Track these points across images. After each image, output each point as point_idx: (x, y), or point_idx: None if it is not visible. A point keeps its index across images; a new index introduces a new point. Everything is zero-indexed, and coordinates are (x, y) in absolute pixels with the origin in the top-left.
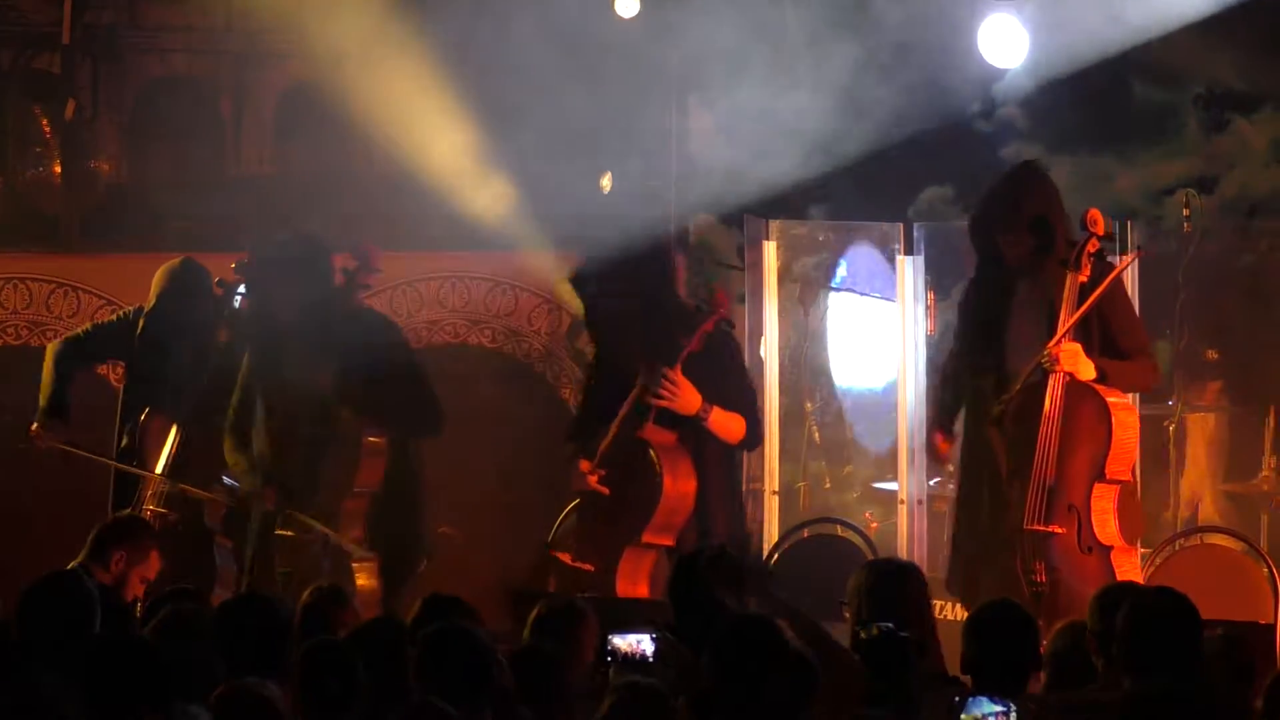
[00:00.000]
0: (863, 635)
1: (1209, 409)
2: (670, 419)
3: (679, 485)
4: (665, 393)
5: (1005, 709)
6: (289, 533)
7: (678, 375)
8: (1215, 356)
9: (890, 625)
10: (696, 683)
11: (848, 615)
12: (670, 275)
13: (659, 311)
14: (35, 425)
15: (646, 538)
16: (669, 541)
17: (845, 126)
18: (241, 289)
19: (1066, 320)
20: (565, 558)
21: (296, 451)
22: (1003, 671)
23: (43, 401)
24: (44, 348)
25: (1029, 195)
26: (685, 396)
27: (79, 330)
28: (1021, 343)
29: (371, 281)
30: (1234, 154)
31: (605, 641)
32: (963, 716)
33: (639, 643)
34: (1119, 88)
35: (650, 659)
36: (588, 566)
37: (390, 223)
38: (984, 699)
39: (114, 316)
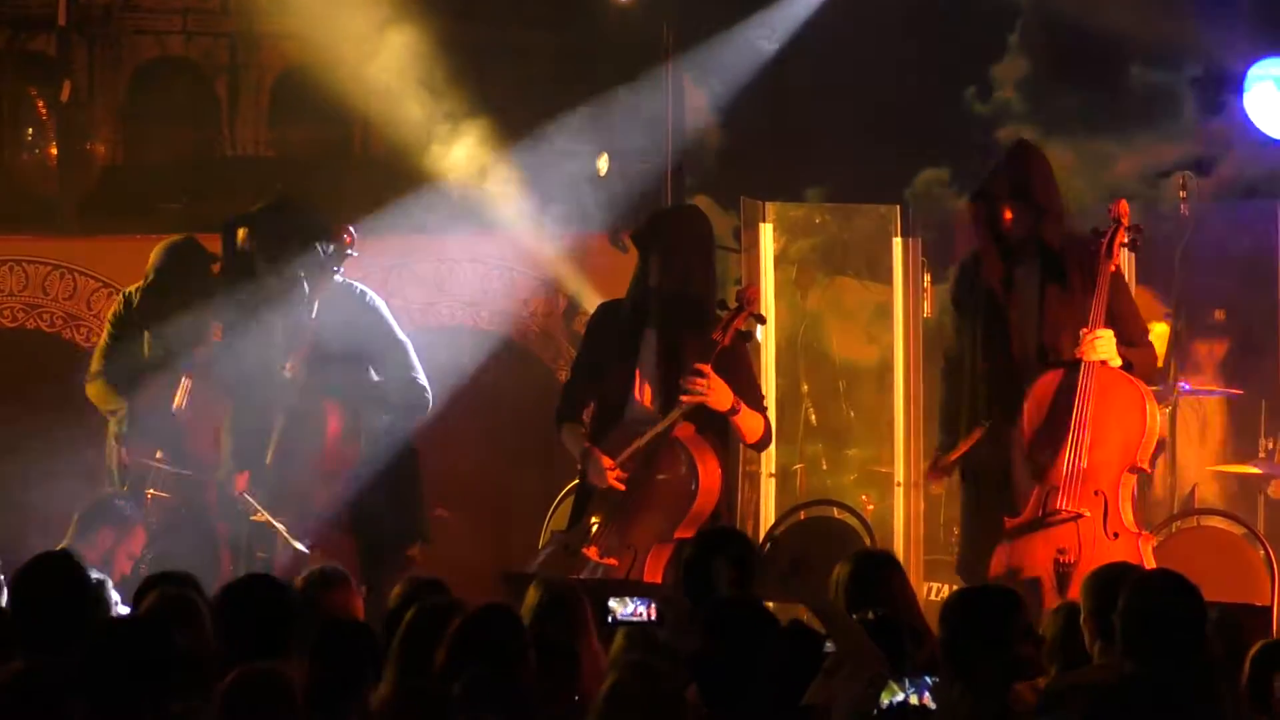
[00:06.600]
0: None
1: (1206, 391)
2: (692, 413)
3: (710, 481)
4: (699, 388)
5: (922, 689)
6: (263, 518)
7: (709, 370)
8: (1222, 317)
9: (882, 611)
10: (693, 640)
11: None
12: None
13: (700, 305)
14: (124, 450)
15: (678, 534)
16: (691, 534)
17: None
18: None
19: (1098, 308)
20: (592, 553)
21: (268, 434)
22: (976, 655)
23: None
24: (39, 330)
25: (1033, 170)
26: (719, 392)
27: (98, 363)
28: (1028, 328)
29: (346, 264)
30: (1231, 136)
31: (604, 606)
32: (882, 696)
33: (637, 604)
34: (1116, 70)
35: (653, 619)
36: (613, 561)
37: (385, 204)
38: (903, 678)
39: (109, 326)
